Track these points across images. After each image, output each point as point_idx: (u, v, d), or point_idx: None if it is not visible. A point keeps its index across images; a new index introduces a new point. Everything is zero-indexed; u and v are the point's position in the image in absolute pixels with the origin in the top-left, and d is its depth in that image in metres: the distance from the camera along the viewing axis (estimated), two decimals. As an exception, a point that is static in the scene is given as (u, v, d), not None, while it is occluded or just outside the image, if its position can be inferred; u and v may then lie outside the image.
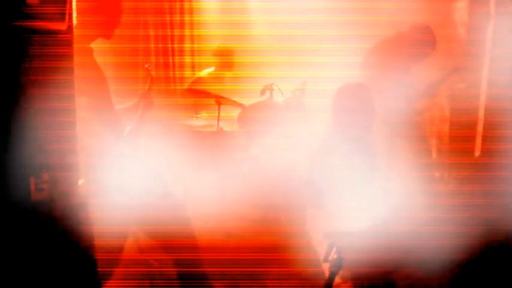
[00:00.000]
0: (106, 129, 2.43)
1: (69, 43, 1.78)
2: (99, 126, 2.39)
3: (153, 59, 5.36)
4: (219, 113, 4.11)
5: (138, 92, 2.82)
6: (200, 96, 4.42)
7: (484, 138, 3.87)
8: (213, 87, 4.59)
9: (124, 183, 2.42)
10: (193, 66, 5.57)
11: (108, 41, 2.60)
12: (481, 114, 4.02)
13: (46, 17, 1.72)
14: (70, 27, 1.78)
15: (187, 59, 5.54)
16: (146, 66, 2.99)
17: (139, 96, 2.79)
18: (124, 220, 2.42)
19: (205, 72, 5.03)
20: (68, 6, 1.78)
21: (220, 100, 4.12)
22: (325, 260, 2.25)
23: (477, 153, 3.90)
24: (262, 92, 4.09)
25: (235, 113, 4.31)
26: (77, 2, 2.45)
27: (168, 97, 5.22)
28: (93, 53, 2.53)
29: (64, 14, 1.78)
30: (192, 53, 5.53)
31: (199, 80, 4.95)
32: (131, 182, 2.45)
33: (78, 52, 2.29)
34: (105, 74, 2.53)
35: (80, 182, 2.12)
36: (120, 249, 2.60)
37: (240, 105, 4.24)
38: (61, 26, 1.79)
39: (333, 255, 2.24)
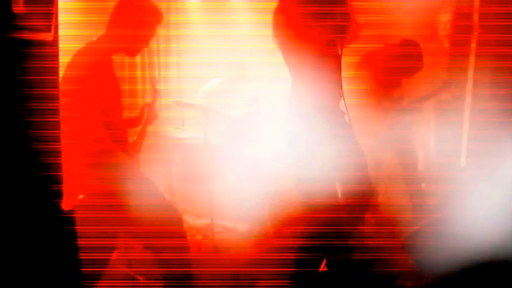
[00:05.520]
0: (113, 141, 2.39)
1: (54, 43, 1.77)
2: (107, 138, 2.35)
3: (138, 58, 5.29)
4: (205, 125, 4.04)
5: (142, 105, 2.82)
6: (187, 108, 4.36)
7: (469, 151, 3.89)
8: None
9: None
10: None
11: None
12: (466, 127, 4.04)
13: (32, 26, 1.72)
14: (56, 27, 1.77)
15: (173, 59, 5.46)
16: (154, 80, 3.03)
17: (142, 109, 2.78)
18: (110, 221, 2.38)
19: (212, 84, 4.91)
20: (54, 7, 1.77)
21: (207, 112, 4.05)
22: (315, 272, 2.22)
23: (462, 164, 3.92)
24: (249, 103, 4.05)
25: (222, 124, 4.26)
26: (110, 15, 2.42)
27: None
28: (113, 66, 2.49)
29: (50, 17, 1.77)
30: (178, 52, 5.44)
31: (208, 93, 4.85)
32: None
33: (99, 64, 2.28)
34: (120, 87, 2.50)
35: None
36: (105, 250, 2.55)
37: (227, 116, 4.18)
38: (47, 37, 1.79)
39: (323, 268, 2.21)
